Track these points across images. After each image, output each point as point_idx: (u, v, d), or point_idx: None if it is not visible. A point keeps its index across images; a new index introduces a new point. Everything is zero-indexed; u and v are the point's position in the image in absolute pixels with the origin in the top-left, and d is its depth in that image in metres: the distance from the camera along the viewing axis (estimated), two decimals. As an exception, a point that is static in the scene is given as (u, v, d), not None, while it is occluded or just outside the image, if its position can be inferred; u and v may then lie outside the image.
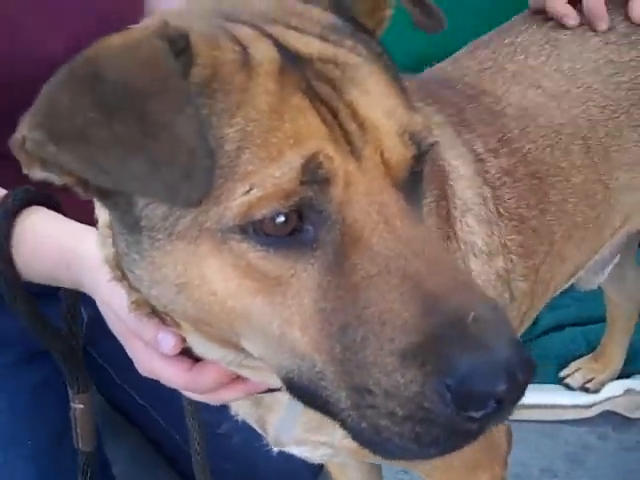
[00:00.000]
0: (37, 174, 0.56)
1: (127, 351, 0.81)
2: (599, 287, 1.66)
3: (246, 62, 0.57)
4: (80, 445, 1.03)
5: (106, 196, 0.60)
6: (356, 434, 0.58)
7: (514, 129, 1.07)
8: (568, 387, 1.72)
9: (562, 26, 1.14)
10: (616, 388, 1.69)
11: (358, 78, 0.60)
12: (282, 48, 0.59)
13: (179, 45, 0.55)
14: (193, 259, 0.57)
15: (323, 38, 0.62)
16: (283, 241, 0.56)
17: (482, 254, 0.97)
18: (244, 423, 0.94)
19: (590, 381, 1.71)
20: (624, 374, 1.72)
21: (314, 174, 0.55)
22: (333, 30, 0.63)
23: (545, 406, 1.69)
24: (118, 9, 1.14)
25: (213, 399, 0.78)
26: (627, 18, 1.14)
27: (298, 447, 0.92)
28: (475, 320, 0.53)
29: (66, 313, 0.98)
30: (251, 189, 0.54)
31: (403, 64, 0.71)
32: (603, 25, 1.13)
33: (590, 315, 1.83)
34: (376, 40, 0.68)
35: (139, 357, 0.78)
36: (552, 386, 1.73)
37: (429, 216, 0.90)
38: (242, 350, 0.64)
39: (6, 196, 0.86)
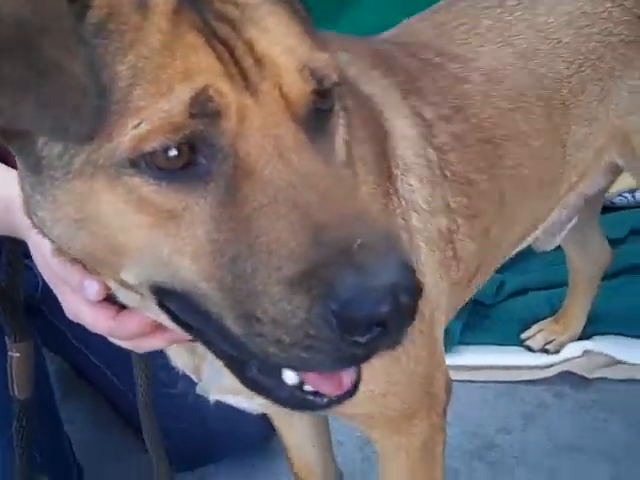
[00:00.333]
0: None
1: (57, 296, 0.81)
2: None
3: (142, 3, 0.59)
4: (16, 392, 1.04)
5: (9, 139, 0.62)
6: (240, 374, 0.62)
7: (475, 96, 1.08)
8: (529, 349, 1.74)
9: None
10: (575, 349, 1.71)
11: (257, 17, 0.61)
12: None
13: None
14: (89, 196, 0.60)
15: None
16: (176, 175, 0.58)
17: (424, 212, 0.99)
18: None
19: (550, 342, 1.73)
20: (584, 336, 1.74)
21: (204, 107, 0.56)
22: None
23: (505, 367, 1.71)
24: None
25: (137, 346, 0.80)
26: None
27: (234, 397, 0.93)
28: (361, 247, 0.54)
29: (6, 264, 0.99)
30: (141, 123, 0.56)
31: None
32: None
33: (555, 279, 1.84)
34: None
35: (66, 302, 0.80)
36: (513, 348, 1.75)
37: (368, 173, 0.91)
38: (121, 282, 0.66)
39: None
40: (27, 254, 0.99)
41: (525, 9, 1.14)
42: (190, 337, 0.77)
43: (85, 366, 1.46)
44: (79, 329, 1.36)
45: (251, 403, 0.95)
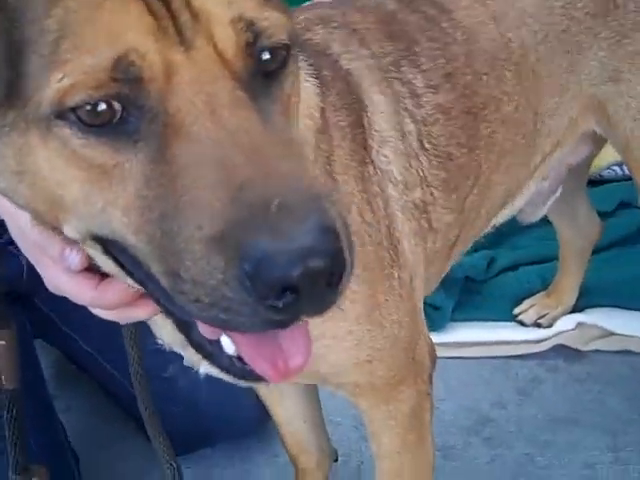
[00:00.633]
0: None
1: (36, 267, 0.81)
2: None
3: None
4: (3, 382, 1.04)
5: None
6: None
7: (460, 57, 1.08)
8: (522, 324, 1.74)
9: None
10: (568, 322, 1.71)
11: None
12: None
13: None
14: (26, 149, 0.60)
15: None
16: (104, 131, 0.58)
17: (398, 183, 0.99)
18: (190, 368, 0.95)
19: (543, 317, 1.73)
20: (577, 309, 1.74)
21: (126, 72, 0.56)
22: None
23: (499, 342, 1.71)
24: None
25: (121, 317, 0.79)
26: None
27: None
28: (279, 207, 0.53)
29: None
30: (64, 77, 0.56)
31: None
32: None
33: (546, 254, 1.85)
34: None
35: (47, 273, 0.79)
36: (506, 323, 1.75)
37: (344, 138, 0.91)
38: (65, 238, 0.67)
39: None
40: (11, 240, 0.99)
41: None
42: None
43: (77, 353, 1.46)
44: (68, 315, 1.39)
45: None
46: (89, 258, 0.73)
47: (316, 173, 0.68)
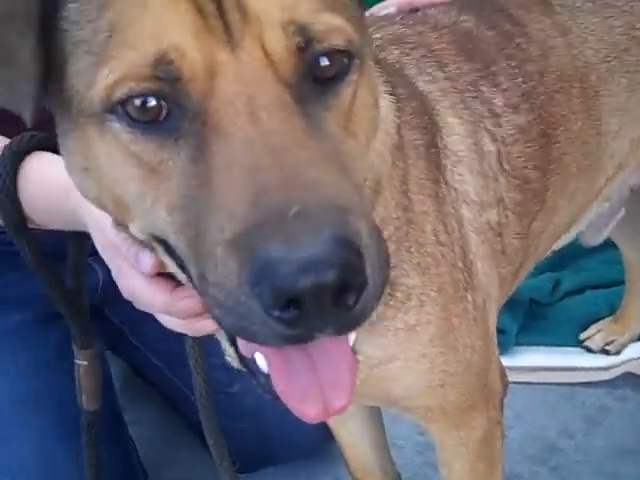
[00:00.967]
0: None
1: (112, 272, 0.82)
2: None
3: None
4: (84, 404, 1.04)
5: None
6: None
7: (535, 74, 1.06)
8: (588, 349, 1.70)
9: None
10: (636, 350, 1.66)
11: None
12: None
13: None
14: (87, 144, 0.62)
15: None
16: (150, 128, 0.58)
17: (474, 204, 0.97)
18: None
19: (610, 343, 1.68)
20: (646, 336, 1.69)
21: (165, 71, 0.56)
22: None
23: (565, 368, 1.67)
24: None
25: (190, 328, 0.78)
26: None
27: None
28: (297, 215, 0.51)
29: (71, 267, 1.00)
30: (110, 73, 0.57)
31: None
32: None
33: (613, 277, 1.80)
34: None
35: (122, 278, 0.79)
36: (572, 349, 1.71)
37: (418, 157, 0.91)
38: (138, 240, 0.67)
39: (11, 141, 0.89)
40: (90, 253, 1.01)
41: None
42: None
43: (145, 366, 1.47)
44: (138, 328, 1.41)
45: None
46: (163, 264, 0.72)
47: (362, 187, 0.63)
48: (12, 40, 0.58)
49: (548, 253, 1.27)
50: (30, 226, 0.91)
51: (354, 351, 0.65)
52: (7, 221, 0.89)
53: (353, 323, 0.55)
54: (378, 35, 1.00)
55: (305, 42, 0.58)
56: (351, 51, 0.61)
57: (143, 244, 0.71)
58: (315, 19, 0.58)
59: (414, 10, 1.11)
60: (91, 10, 0.59)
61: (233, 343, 0.66)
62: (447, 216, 0.92)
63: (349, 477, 1.31)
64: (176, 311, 0.74)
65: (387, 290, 0.86)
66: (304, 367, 0.61)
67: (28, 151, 0.89)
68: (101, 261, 1.25)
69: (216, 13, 0.57)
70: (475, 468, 1.02)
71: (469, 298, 0.93)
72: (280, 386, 0.62)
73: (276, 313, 0.52)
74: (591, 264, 1.87)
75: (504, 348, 1.66)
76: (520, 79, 1.05)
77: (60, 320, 1.31)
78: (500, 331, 1.65)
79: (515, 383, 1.61)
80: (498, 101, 1.02)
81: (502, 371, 1.03)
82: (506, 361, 1.63)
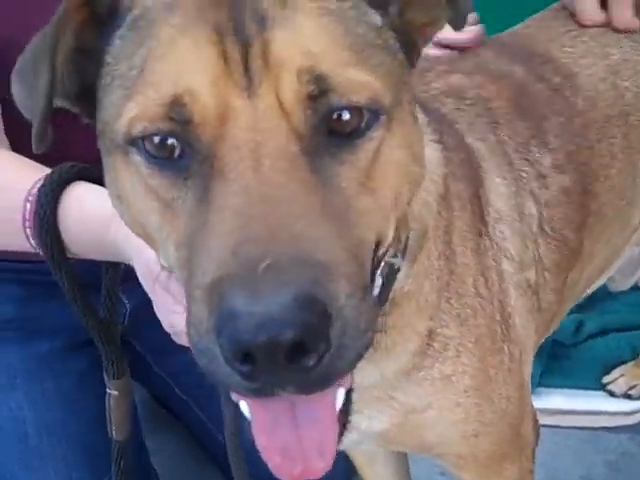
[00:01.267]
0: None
1: (154, 306, 0.82)
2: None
3: (173, 3, 0.61)
4: (114, 433, 1.05)
5: None
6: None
7: (580, 129, 1.05)
8: (611, 393, 1.69)
9: None
10: (660, 395, 1.65)
11: (292, 18, 0.59)
12: None
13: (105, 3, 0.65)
14: (117, 173, 0.64)
15: None
16: (166, 165, 0.60)
17: (514, 260, 0.97)
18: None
19: (633, 387, 1.67)
20: (670, 382, 1.68)
21: (177, 113, 0.57)
22: None
23: (587, 412, 1.66)
24: None
25: None
26: None
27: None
28: (267, 268, 0.51)
29: (105, 297, 1.01)
30: (133, 108, 0.59)
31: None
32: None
33: (636, 321, 1.80)
34: None
35: (164, 310, 0.80)
36: (595, 392, 1.70)
37: (463, 209, 0.90)
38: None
39: (52, 172, 0.90)
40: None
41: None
42: None
43: (170, 398, 1.47)
44: (165, 359, 1.41)
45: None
46: None
47: (367, 244, 0.60)
48: (41, 67, 0.63)
49: (581, 299, 1.26)
50: (68, 255, 0.92)
51: (342, 411, 0.63)
52: (47, 252, 0.91)
53: (315, 384, 0.54)
54: (437, 85, 1.00)
55: (319, 92, 0.57)
56: (375, 108, 0.60)
57: None
58: (337, 72, 0.58)
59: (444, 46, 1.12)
60: (129, 46, 0.62)
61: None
62: (488, 269, 0.92)
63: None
64: None
65: (425, 340, 0.87)
66: (286, 422, 0.60)
67: (68, 181, 0.90)
68: (127, 291, 1.26)
69: (239, 59, 0.57)
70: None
71: (506, 350, 0.94)
72: (261, 440, 0.61)
73: (235, 364, 0.52)
74: (615, 306, 1.86)
75: (527, 389, 1.65)
76: (567, 136, 1.04)
77: (86, 348, 1.33)
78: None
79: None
80: (546, 161, 1.01)
81: (535, 421, 1.03)
82: (530, 403, 1.64)
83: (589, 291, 1.28)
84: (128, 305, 1.33)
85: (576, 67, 1.10)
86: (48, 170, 0.93)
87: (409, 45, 0.69)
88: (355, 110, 0.59)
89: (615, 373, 1.71)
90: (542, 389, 1.69)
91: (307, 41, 0.58)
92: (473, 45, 1.13)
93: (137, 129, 0.59)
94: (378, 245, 0.64)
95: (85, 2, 0.65)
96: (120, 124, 0.60)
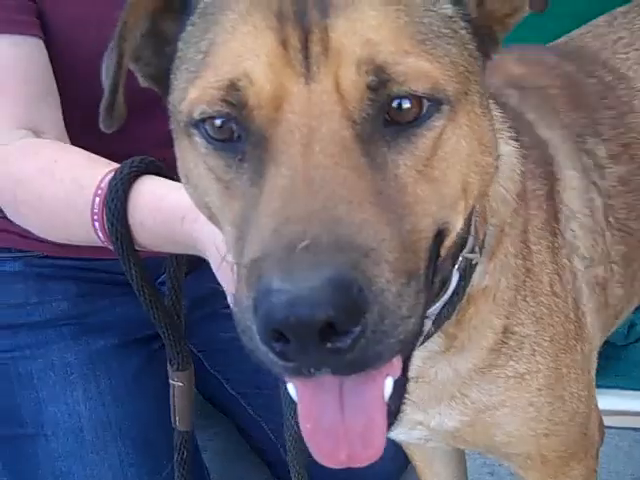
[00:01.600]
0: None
1: (226, 293, 0.81)
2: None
3: None
4: (177, 424, 1.05)
5: None
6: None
7: (636, 126, 1.05)
8: (663, 394, 1.67)
9: None
10: None
11: (354, 6, 0.59)
12: None
13: None
14: (184, 153, 0.66)
15: None
16: (224, 147, 0.61)
17: (584, 259, 0.97)
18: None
19: (686, 388, 1.65)
20: None
21: (234, 97, 0.58)
22: None
23: (638, 413, 1.64)
24: None
25: None
26: None
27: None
28: (304, 249, 0.51)
29: (170, 289, 1.01)
30: (195, 91, 0.61)
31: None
32: None
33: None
34: None
35: (228, 289, 0.79)
36: (647, 393, 1.68)
37: (539, 208, 0.90)
38: None
39: (122, 165, 0.91)
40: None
41: None
42: None
43: (219, 395, 1.47)
44: (217, 357, 1.41)
45: (410, 435, 0.95)
46: None
47: (419, 233, 0.59)
48: (113, 45, 0.68)
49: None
50: (136, 248, 0.92)
51: (393, 400, 0.62)
52: (118, 245, 0.91)
53: (351, 367, 0.53)
54: (493, 80, 1.00)
55: (379, 82, 0.57)
56: (436, 98, 0.59)
57: None
58: (397, 60, 0.58)
59: None
60: (198, 32, 0.64)
61: None
62: (563, 268, 0.91)
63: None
64: None
65: (500, 337, 0.86)
66: (332, 407, 0.60)
67: (138, 174, 0.91)
68: (184, 292, 1.26)
69: (299, 46, 0.58)
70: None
71: (578, 349, 0.93)
72: (305, 422, 0.60)
73: (269, 342, 0.52)
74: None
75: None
76: (621, 129, 1.04)
77: (139, 346, 1.34)
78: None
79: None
80: (601, 152, 1.01)
81: (600, 420, 1.01)
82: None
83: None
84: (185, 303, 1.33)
85: (631, 72, 1.09)
86: (116, 165, 0.93)
87: (486, 36, 0.67)
88: (415, 99, 0.59)
89: (667, 374, 1.69)
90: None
91: (368, 30, 0.58)
92: None
93: (197, 111, 0.60)
94: (442, 235, 0.63)
95: None
96: (183, 106, 0.62)
